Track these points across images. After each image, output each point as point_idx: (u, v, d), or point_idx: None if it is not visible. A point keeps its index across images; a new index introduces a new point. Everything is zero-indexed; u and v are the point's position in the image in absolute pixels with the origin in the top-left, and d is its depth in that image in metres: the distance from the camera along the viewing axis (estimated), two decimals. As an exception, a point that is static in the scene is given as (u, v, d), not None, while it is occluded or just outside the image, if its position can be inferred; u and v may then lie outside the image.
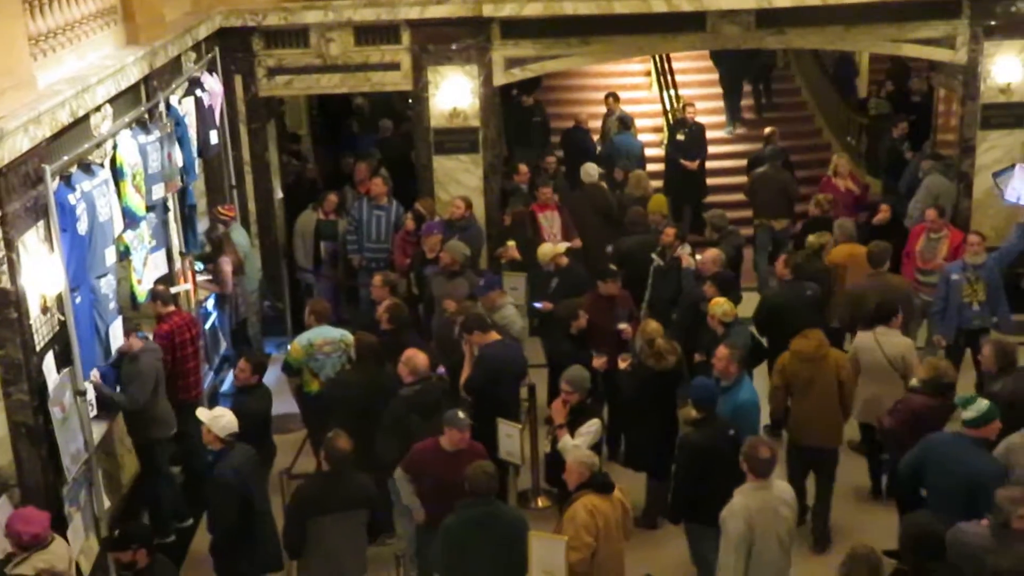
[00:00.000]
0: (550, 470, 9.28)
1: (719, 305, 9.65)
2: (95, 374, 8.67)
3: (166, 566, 6.94)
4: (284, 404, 10.45)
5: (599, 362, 9.73)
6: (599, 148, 16.30)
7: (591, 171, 14.11)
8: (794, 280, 10.62)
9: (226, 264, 11.70)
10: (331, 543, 7.29)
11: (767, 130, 15.94)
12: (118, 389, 9.01)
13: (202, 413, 7.96)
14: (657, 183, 15.23)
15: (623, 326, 10.18)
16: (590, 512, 7.00)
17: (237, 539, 7.66)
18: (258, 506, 7.84)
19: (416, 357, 8.79)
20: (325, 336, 9.90)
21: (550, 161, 14.90)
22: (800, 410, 9.18)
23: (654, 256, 11.53)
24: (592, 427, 8.49)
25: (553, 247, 11.68)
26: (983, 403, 7.62)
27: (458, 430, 7.78)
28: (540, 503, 9.98)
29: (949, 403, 8.31)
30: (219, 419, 7.78)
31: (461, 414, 7.88)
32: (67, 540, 7.75)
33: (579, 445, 8.15)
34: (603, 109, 17.12)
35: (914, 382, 8.82)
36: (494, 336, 9.46)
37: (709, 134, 16.63)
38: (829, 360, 9.13)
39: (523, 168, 14.55)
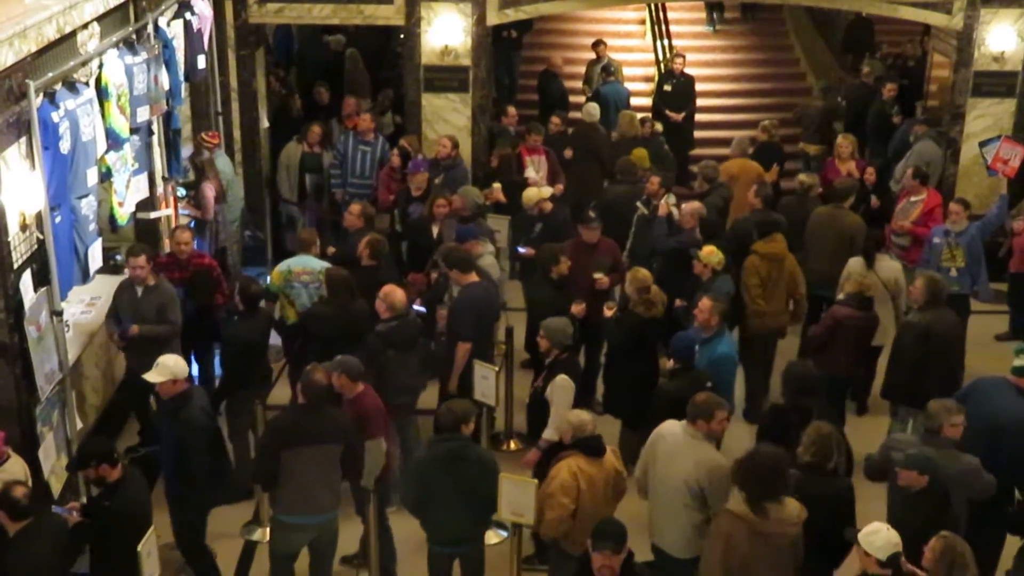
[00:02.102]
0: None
1: (713, 254, 9.72)
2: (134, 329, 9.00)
3: (137, 480, 6.93)
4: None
5: (578, 308, 9.74)
6: (586, 96, 16.19)
7: (592, 111, 14.06)
8: (763, 210, 11.06)
9: (208, 190, 11.60)
10: (304, 476, 7.28)
11: None
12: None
13: (150, 375, 7.67)
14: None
15: (598, 276, 10.18)
16: (573, 474, 6.94)
17: (207, 475, 7.64)
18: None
19: (394, 293, 8.78)
20: (305, 265, 9.87)
21: (555, 122, 14.36)
22: (764, 304, 10.17)
23: (639, 205, 11.51)
24: (557, 416, 8.14)
25: (538, 191, 11.64)
26: None
27: (336, 375, 7.68)
28: (512, 445, 10.02)
29: (870, 315, 9.52)
30: (174, 365, 7.61)
31: (338, 357, 7.77)
32: (39, 459, 7.77)
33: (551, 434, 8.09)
34: (592, 56, 16.98)
35: (841, 296, 9.78)
36: (474, 278, 9.44)
37: (700, 87, 16.53)
38: (787, 261, 10.32)
39: (511, 110, 14.47)
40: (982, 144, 12.60)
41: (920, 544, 6.26)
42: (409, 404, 9.05)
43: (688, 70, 16.34)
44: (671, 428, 7.19)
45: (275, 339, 10.17)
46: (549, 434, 8.17)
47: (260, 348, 9.28)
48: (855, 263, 10.43)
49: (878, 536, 6.15)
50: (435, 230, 10.96)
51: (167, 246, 10.71)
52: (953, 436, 7.30)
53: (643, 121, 14.43)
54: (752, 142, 14.31)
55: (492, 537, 8.27)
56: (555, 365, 8.50)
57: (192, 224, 11.70)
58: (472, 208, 10.88)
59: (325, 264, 9.92)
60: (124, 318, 9.13)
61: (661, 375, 8.95)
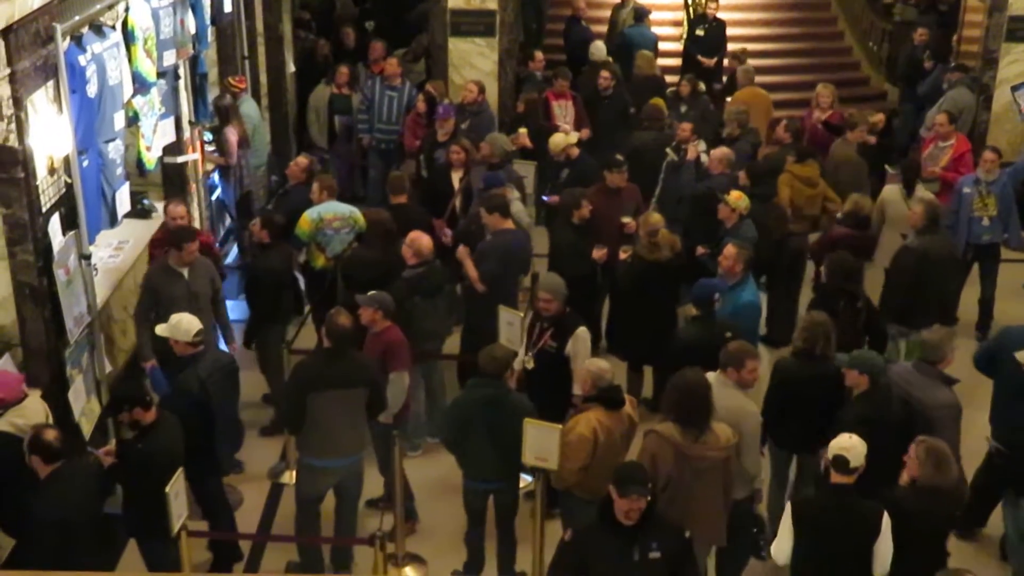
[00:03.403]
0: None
1: (741, 199, 9.71)
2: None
3: (171, 423, 7.00)
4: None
5: (599, 253, 9.73)
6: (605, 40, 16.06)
7: (601, 49, 13.96)
8: (794, 143, 11.42)
9: (231, 135, 11.60)
10: (330, 420, 7.33)
11: None
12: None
13: (160, 328, 7.73)
14: (672, 79, 15.00)
15: (627, 220, 10.14)
16: (592, 429, 6.93)
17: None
18: (221, 417, 7.58)
19: (420, 239, 8.80)
20: (335, 211, 9.87)
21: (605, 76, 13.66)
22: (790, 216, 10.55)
23: (668, 151, 11.43)
24: (583, 354, 8.08)
25: (565, 137, 11.58)
26: None
27: (365, 308, 7.84)
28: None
29: (865, 235, 9.89)
30: (177, 327, 7.59)
31: (371, 292, 7.93)
32: (70, 401, 7.86)
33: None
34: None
35: (839, 215, 10.16)
36: (509, 224, 9.43)
37: (731, 31, 16.34)
38: (820, 187, 10.70)
39: (538, 55, 14.35)
40: (1015, 88, 12.46)
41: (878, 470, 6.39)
42: (436, 349, 9.13)
43: (720, 14, 16.14)
44: (710, 377, 7.16)
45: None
46: (579, 389, 7.89)
47: (287, 279, 9.31)
48: (891, 190, 10.66)
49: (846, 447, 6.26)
50: (454, 177, 10.93)
51: (192, 190, 10.76)
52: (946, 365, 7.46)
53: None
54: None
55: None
56: (563, 321, 8.26)
57: (216, 170, 11.74)
58: (500, 155, 10.85)
59: (353, 208, 9.95)
60: (176, 309, 8.10)
61: (682, 321, 8.94)
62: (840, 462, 6.20)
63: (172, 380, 7.68)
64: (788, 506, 6.43)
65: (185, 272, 8.68)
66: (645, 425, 7.21)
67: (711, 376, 7.11)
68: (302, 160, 10.70)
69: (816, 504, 6.38)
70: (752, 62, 16.96)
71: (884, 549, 6.19)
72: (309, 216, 9.82)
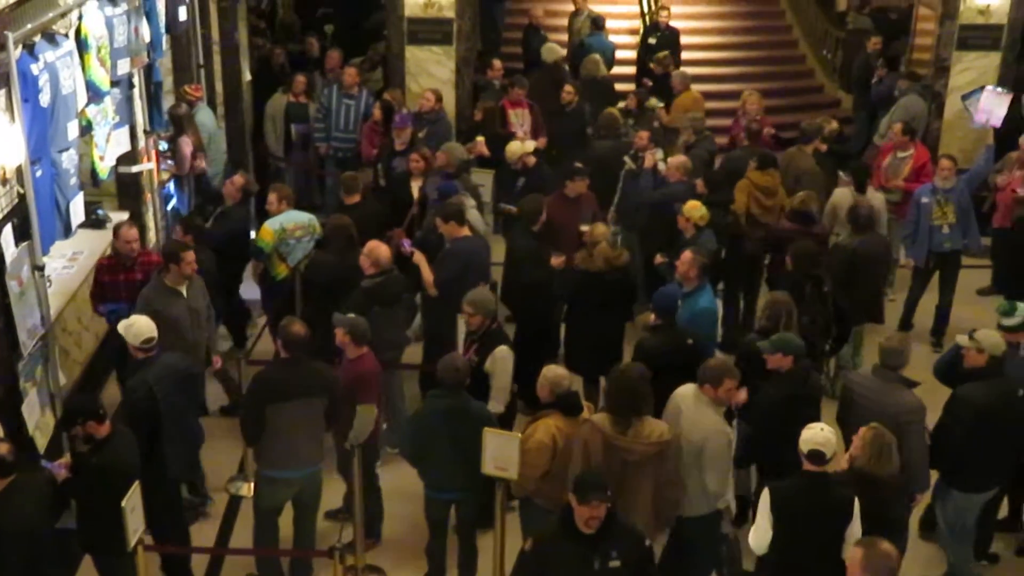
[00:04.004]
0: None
1: (696, 208, 9.71)
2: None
3: (125, 437, 6.92)
4: (246, 289, 10.45)
5: (557, 260, 9.73)
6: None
7: (554, 49, 14.01)
8: (752, 146, 11.66)
9: (185, 145, 11.51)
10: (289, 430, 7.29)
11: None
12: None
13: (120, 325, 7.63)
14: (628, 87, 15.07)
15: (585, 228, 10.15)
16: (551, 435, 6.93)
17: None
18: (170, 425, 7.41)
19: (378, 249, 8.78)
20: (296, 220, 9.87)
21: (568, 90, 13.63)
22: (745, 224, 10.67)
23: (626, 159, 11.46)
24: (501, 384, 8.10)
25: (521, 145, 11.58)
26: (1022, 308, 8.00)
27: (340, 331, 7.71)
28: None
29: (810, 231, 9.87)
30: (131, 327, 7.49)
31: (350, 315, 7.79)
32: (23, 415, 7.75)
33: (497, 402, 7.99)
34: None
35: (787, 211, 10.34)
36: (466, 232, 9.43)
37: (685, 39, 16.44)
38: (779, 196, 10.69)
39: (497, 63, 14.37)
40: (964, 97, 12.61)
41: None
42: (395, 359, 9.07)
43: (673, 23, 16.24)
44: (685, 390, 7.24)
45: (255, 293, 10.20)
46: (494, 406, 7.93)
47: (211, 279, 9.09)
48: (842, 193, 10.90)
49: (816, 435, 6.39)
50: (414, 186, 10.89)
51: (147, 200, 10.67)
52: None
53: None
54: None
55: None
56: (487, 336, 8.20)
57: (172, 179, 11.64)
58: (456, 164, 10.82)
59: (311, 216, 9.95)
60: (179, 330, 8.25)
61: (641, 330, 8.96)
62: (816, 455, 6.32)
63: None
64: (765, 495, 6.51)
65: (183, 290, 8.46)
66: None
67: (689, 388, 7.16)
68: (238, 179, 10.55)
69: (793, 492, 6.46)
70: (707, 70, 17.19)
71: (855, 533, 6.29)
72: (271, 227, 9.77)
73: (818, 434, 6.38)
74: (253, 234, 10.27)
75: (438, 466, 7.34)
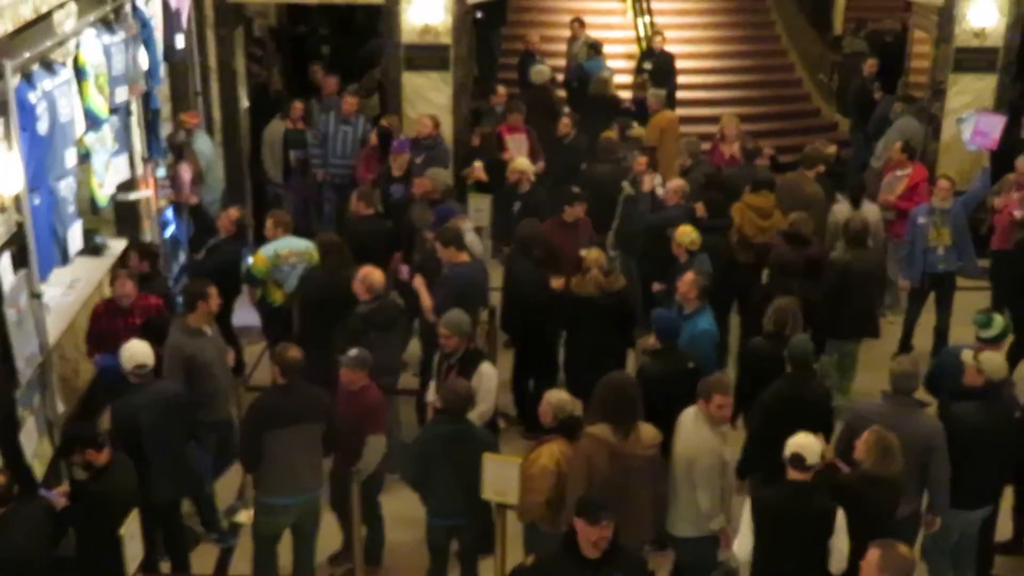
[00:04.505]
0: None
1: (687, 234, 9.68)
2: None
3: (124, 464, 6.90)
4: (245, 315, 10.43)
5: (558, 283, 9.74)
6: (562, 75, 16.19)
7: (543, 71, 14.10)
8: (748, 164, 11.94)
9: (184, 172, 11.53)
10: (287, 456, 7.28)
11: None
12: None
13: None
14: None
15: (584, 252, 10.15)
16: (555, 461, 6.92)
17: None
18: (157, 452, 7.36)
19: (372, 274, 8.75)
20: (291, 247, 9.85)
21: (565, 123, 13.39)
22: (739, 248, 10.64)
23: (625, 185, 11.47)
24: (487, 391, 8.11)
25: (529, 163, 11.58)
26: (999, 320, 8.14)
27: (349, 369, 7.66)
28: (500, 424, 10.01)
29: (799, 251, 9.76)
30: (123, 352, 7.50)
31: (354, 351, 7.70)
32: (21, 443, 7.72)
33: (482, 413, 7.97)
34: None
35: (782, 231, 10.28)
36: (465, 257, 9.43)
37: (680, 64, 16.50)
38: (775, 218, 10.68)
39: (500, 90, 14.36)
40: (959, 120, 12.65)
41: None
42: (392, 384, 9.03)
43: (669, 47, 16.30)
44: (688, 410, 7.28)
45: (255, 320, 10.18)
46: (474, 418, 7.74)
47: (235, 269, 9.29)
48: (839, 208, 11.03)
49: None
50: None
51: (145, 227, 10.65)
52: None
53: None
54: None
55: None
56: (465, 358, 8.18)
57: (170, 206, 11.64)
58: (442, 190, 10.80)
59: (308, 243, 9.92)
60: (213, 374, 8.19)
61: (641, 354, 8.95)
62: (797, 460, 6.36)
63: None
64: (747, 502, 6.54)
65: (208, 330, 8.35)
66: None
67: (692, 408, 7.22)
68: (233, 212, 10.55)
69: (774, 500, 6.49)
70: (702, 94, 17.25)
71: (840, 546, 6.31)
72: (264, 254, 9.77)
73: (801, 438, 6.41)
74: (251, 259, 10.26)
75: (440, 492, 7.32)
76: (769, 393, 7.62)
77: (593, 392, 7.19)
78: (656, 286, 9.89)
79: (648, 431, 6.99)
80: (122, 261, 9.01)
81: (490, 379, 8.13)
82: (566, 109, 14.65)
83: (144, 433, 7.30)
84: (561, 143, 13.08)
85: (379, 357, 8.49)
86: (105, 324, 8.75)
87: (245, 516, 8.64)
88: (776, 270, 9.57)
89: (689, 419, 7.17)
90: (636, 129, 13.30)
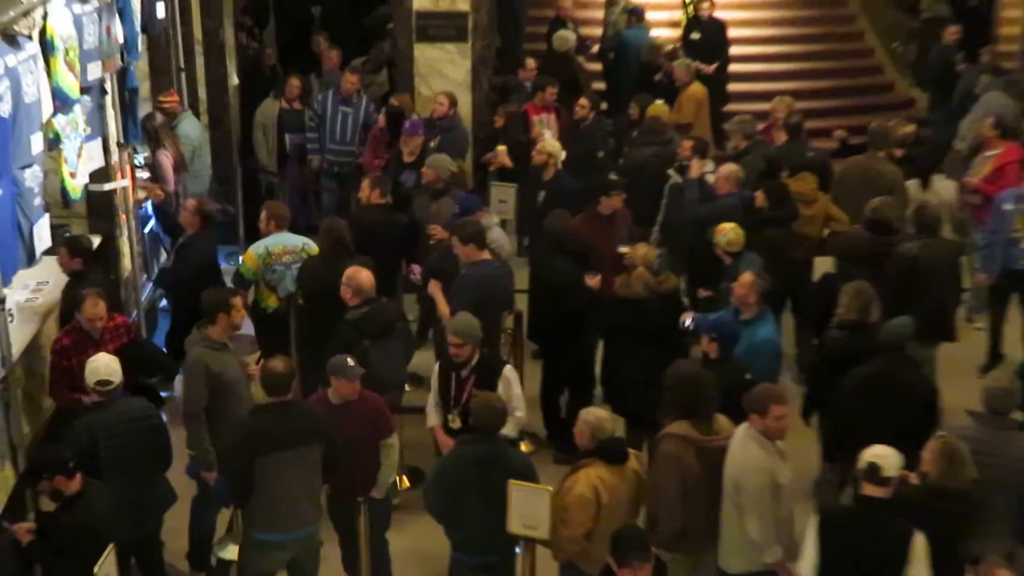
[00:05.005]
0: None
1: (724, 233, 9.58)
2: None
3: (99, 493, 6.91)
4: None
5: (594, 281, 9.74)
6: (596, 45, 16.17)
7: (567, 37, 14.15)
8: (792, 142, 12.00)
9: (164, 159, 11.56)
10: (282, 485, 7.21)
11: None
12: None
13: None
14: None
15: (624, 249, 10.11)
16: (593, 488, 6.85)
17: None
18: (119, 479, 7.27)
19: (358, 275, 8.67)
20: (285, 244, 9.84)
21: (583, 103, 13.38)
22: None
23: (671, 172, 11.40)
24: (518, 397, 8.22)
25: (559, 145, 11.56)
26: None
27: (347, 380, 7.60)
28: (523, 447, 9.99)
29: (885, 240, 9.74)
30: (88, 364, 7.50)
31: (351, 361, 7.64)
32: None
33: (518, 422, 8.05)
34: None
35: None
36: (486, 255, 9.39)
37: (733, 32, 16.44)
38: (819, 203, 10.91)
39: (530, 62, 14.30)
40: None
41: None
42: (395, 401, 8.89)
43: (719, 13, 16.24)
44: (739, 428, 7.25)
45: (246, 327, 10.17)
46: (509, 430, 7.77)
47: (215, 269, 9.19)
48: (911, 185, 11.19)
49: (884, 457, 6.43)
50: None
51: (122, 222, 10.66)
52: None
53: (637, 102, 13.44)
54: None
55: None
56: (482, 365, 8.21)
57: (149, 201, 11.66)
58: (446, 178, 10.79)
59: (306, 240, 9.93)
60: (237, 392, 8.11)
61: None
62: (872, 471, 6.31)
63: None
64: (813, 519, 6.53)
65: (230, 343, 8.32)
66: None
67: (743, 426, 7.17)
68: (190, 203, 10.46)
69: (843, 517, 6.49)
70: (758, 67, 17.15)
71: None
72: (254, 251, 9.78)
73: (879, 448, 6.39)
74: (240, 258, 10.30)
75: (468, 524, 7.21)
76: (855, 375, 7.74)
77: (664, 389, 7.31)
78: (702, 292, 9.82)
79: (724, 421, 7.20)
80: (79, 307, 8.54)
81: (516, 383, 8.22)
82: (593, 85, 14.62)
83: (104, 459, 7.27)
84: (576, 127, 12.98)
85: (377, 370, 8.30)
86: (73, 361, 8.26)
87: (233, 552, 8.64)
88: (845, 259, 9.50)
89: (738, 438, 7.09)
90: (657, 105, 12.83)
